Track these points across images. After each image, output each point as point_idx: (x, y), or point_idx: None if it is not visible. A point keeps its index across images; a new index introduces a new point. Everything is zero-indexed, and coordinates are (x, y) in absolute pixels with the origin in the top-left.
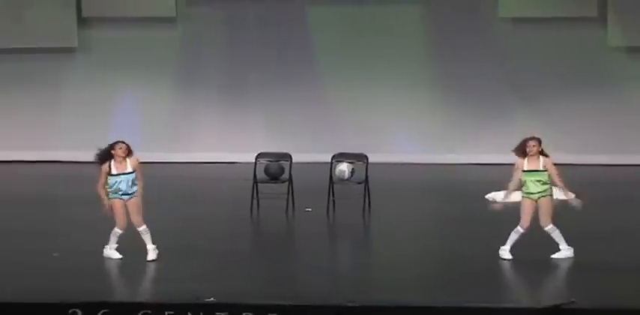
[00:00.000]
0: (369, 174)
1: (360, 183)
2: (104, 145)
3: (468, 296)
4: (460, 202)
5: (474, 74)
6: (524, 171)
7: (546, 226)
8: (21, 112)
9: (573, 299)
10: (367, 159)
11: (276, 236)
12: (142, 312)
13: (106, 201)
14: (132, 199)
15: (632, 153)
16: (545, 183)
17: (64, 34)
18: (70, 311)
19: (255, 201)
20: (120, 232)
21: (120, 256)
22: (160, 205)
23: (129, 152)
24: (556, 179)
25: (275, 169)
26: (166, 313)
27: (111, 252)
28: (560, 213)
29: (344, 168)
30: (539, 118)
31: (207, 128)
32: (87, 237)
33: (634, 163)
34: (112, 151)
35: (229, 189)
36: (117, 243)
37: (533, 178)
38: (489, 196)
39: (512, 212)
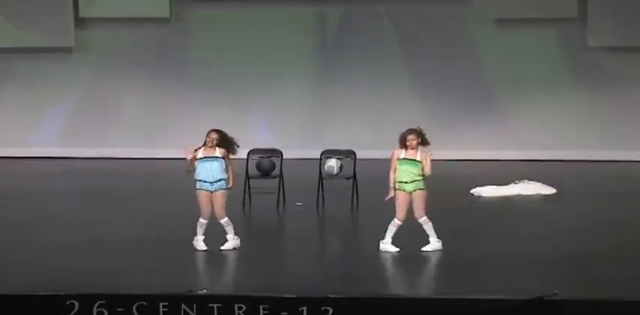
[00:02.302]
0: (357, 170)
1: (348, 178)
2: (99, 143)
3: (454, 288)
4: (446, 197)
5: (459, 73)
6: (399, 159)
7: (420, 218)
8: (19, 111)
9: (556, 291)
10: (355, 155)
11: (267, 230)
12: (137, 304)
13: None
14: (218, 192)
15: (609, 149)
16: (418, 175)
17: (61, 34)
18: (67, 303)
19: (247, 196)
20: (204, 222)
21: (205, 248)
22: (154, 199)
23: (222, 142)
24: (426, 168)
25: (266, 165)
26: (160, 304)
27: (198, 243)
28: (541, 207)
29: (333, 164)
30: (520, 116)
31: (201, 125)
32: (82, 231)
33: (613, 159)
34: (206, 138)
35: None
36: (204, 234)
37: (405, 167)
38: (474, 190)
39: (497, 207)
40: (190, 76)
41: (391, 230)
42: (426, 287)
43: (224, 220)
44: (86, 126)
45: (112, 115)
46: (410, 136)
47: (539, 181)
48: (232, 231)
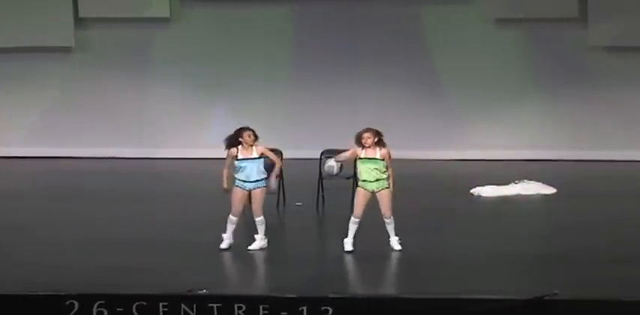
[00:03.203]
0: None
1: (348, 178)
2: (98, 143)
3: (454, 288)
4: (445, 197)
5: (458, 73)
6: (359, 159)
7: (388, 218)
8: (17, 111)
9: (556, 291)
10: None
11: (267, 230)
12: (136, 303)
13: (225, 182)
14: (258, 190)
15: (610, 149)
16: (381, 172)
17: (61, 34)
18: (66, 303)
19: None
20: (234, 219)
21: (227, 247)
22: (154, 199)
23: (257, 139)
24: (388, 170)
25: (266, 165)
26: (160, 304)
27: (225, 241)
28: (542, 206)
29: (333, 164)
30: (520, 116)
31: (201, 125)
32: (82, 230)
33: (613, 159)
34: (240, 139)
35: (221, 183)
36: (232, 232)
37: (367, 166)
38: (474, 190)
39: (497, 206)
40: (190, 76)
41: (352, 229)
42: (425, 287)
43: (259, 219)
44: (85, 126)
45: (112, 114)
46: (365, 134)
47: (539, 181)
48: (263, 231)
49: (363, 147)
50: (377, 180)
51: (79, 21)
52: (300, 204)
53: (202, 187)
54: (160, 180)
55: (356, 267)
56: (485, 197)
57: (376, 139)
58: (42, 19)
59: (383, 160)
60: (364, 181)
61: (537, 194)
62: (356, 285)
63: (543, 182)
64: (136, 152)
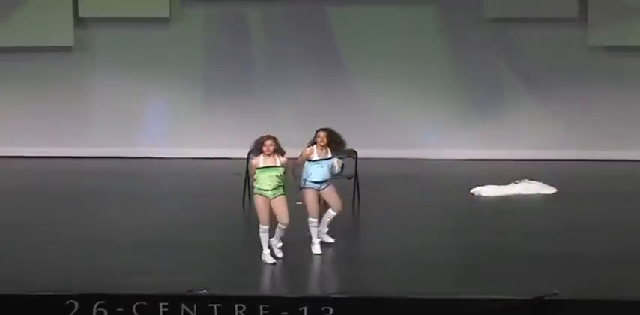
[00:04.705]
0: (358, 169)
1: (350, 178)
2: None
3: (453, 287)
4: (446, 197)
5: (459, 73)
6: (258, 168)
7: (283, 224)
8: (17, 110)
9: (556, 291)
10: (357, 155)
11: None
12: (136, 303)
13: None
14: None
15: (610, 149)
16: (280, 179)
17: (61, 34)
18: (66, 303)
19: (246, 195)
20: (315, 220)
21: (319, 252)
22: (154, 199)
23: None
24: (289, 172)
25: None
26: (160, 304)
27: (315, 246)
28: (542, 206)
29: (334, 163)
30: (520, 116)
31: (200, 125)
32: (82, 231)
33: (613, 159)
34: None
35: (221, 183)
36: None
37: (267, 174)
38: (474, 190)
39: (497, 206)
40: (190, 76)
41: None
42: (425, 287)
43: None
44: (85, 125)
45: (112, 114)
46: (267, 142)
47: (539, 181)
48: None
49: (261, 154)
50: (276, 188)
51: (79, 21)
52: (301, 204)
53: (203, 187)
54: (160, 180)
55: (356, 267)
56: (486, 197)
57: (275, 147)
58: (42, 19)
59: (282, 167)
60: (261, 190)
61: (538, 194)
62: (356, 285)
63: (543, 182)
64: (135, 152)
